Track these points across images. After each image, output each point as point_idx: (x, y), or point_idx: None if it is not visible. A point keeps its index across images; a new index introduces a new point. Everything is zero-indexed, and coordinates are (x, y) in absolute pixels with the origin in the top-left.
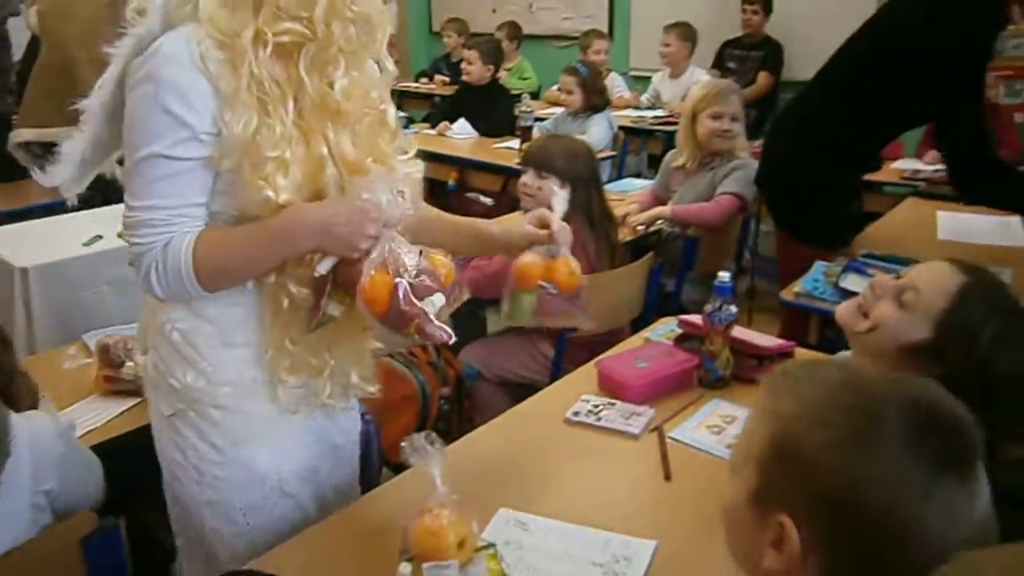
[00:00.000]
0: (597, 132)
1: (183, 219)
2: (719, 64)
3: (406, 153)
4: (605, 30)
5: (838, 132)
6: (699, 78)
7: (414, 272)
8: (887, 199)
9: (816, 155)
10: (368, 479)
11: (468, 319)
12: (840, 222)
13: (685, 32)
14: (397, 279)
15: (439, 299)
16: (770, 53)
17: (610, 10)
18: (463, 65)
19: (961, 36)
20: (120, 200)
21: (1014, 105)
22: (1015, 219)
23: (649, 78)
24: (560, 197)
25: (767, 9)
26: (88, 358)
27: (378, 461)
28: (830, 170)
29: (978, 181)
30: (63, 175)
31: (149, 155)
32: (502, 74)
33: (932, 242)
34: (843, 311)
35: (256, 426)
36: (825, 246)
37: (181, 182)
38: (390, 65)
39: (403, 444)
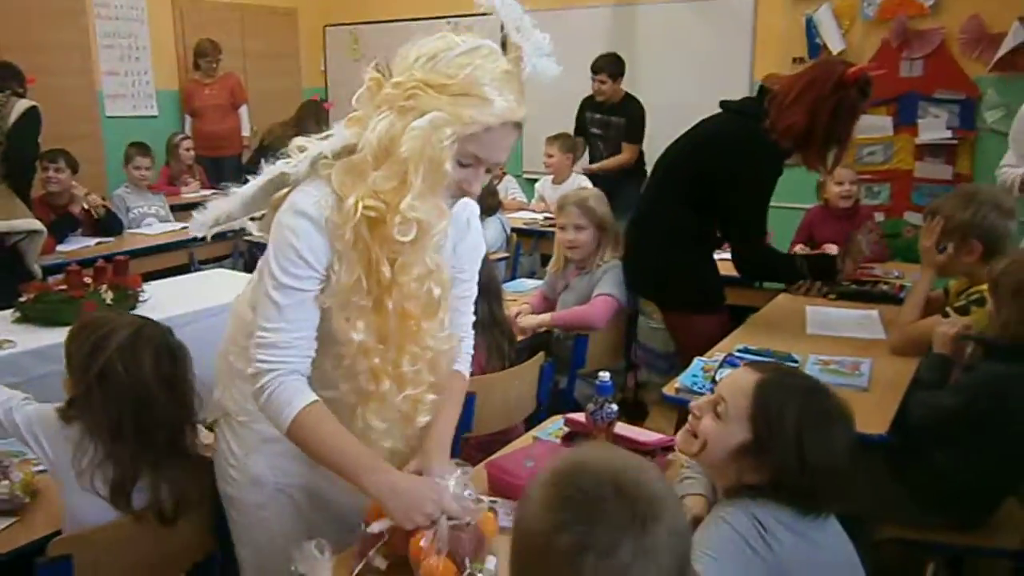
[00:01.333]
0: (490, 234)
1: (301, 343)
2: (583, 131)
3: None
4: None
5: (673, 223)
6: (582, 184)
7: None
8: (763, 294)
9: (665, 241)
10: None
11: None
12: (706, 288)
13: (567, 143)
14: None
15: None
16: (630, 119)
17: None
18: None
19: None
20: None
21: (873, 206)
22: (875, 313)
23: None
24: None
25: (615, 76)
26: None
27: None
28: (678, 250)
29: (748, 263)
30: (202, 220)
31: (283, 286)
32: None
33: (802, 336)
34: (679, 439)
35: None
36: (706, 310)
37: (304, 310)
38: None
39: (293, 553)
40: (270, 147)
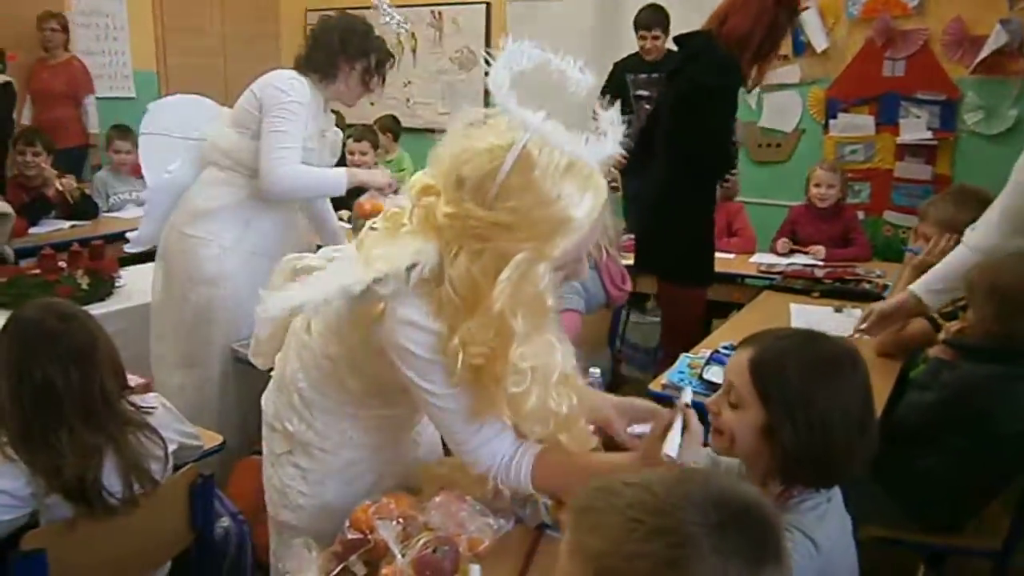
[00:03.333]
0: None
1: (492, 430)
2: (624, 98)
3: None
4: None
5: (683, 190)
6: None
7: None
8: (747, 290)
9: (683, 215)
10: None
11: None
12: (711, 260)
13: None
14: None
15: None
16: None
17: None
18: (355, 157)
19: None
20: None
21: (854, 204)
22: (858, 312)
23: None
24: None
25: (668, 29)
26: None
27: (252, 565)
28: (695, 224)
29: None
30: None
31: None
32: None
33: None
34: (712, 444)
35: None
36: (706, 283)
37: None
38: None
39: (280, 547)
40: None
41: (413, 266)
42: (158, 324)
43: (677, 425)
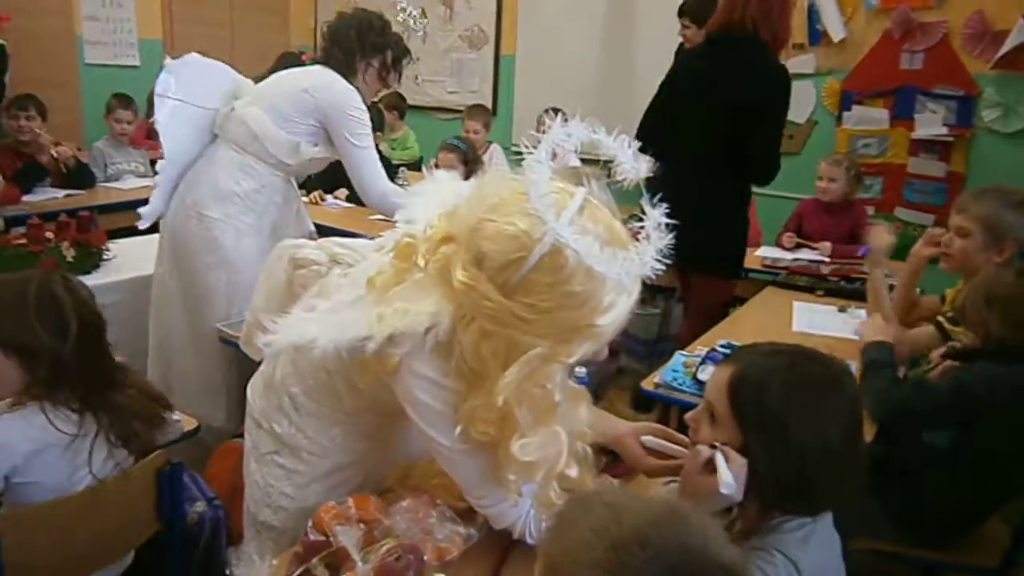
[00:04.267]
0: None
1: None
2: None
3: None
4: (489, 105)
5: (724, 182)
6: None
7: None
8: (750, 285)
9: (720, 204)
10: (217, 571)
11: None
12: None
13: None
14: None
15: None
16: None
17: (494, 86)
18: None
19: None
20: None
21: (864, 199)
22: (862, 312)
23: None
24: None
25: (700, 20)
26: None
27: (226, 549)
28: (733, 213)
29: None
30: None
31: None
32: (383, 145)
33: (788, 334)
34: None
35: None
36: (739, 276)
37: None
38: None
39: (230, 552)
40: None
41: (430, 328)
42: (163, 307)
43: (721, 462)
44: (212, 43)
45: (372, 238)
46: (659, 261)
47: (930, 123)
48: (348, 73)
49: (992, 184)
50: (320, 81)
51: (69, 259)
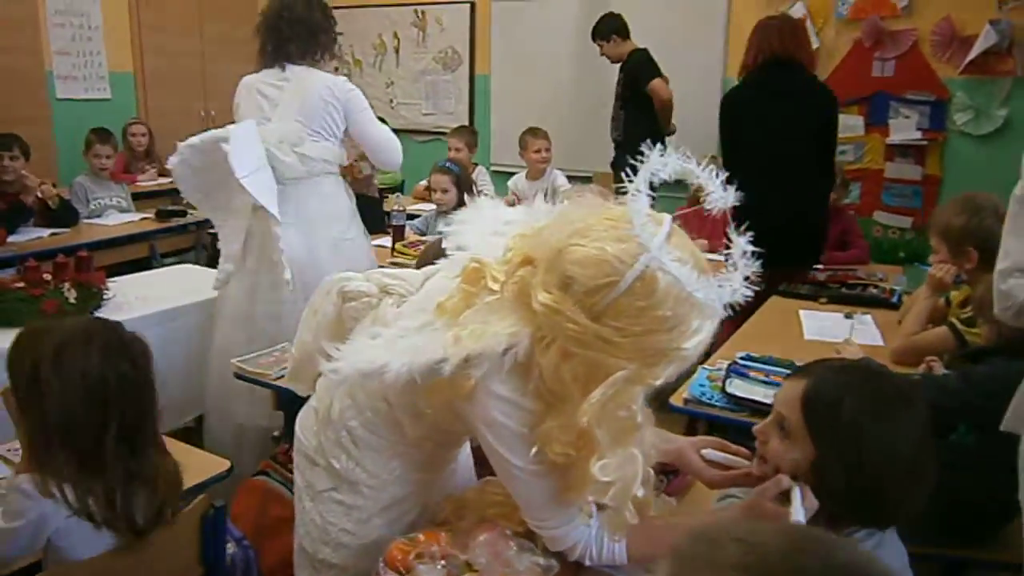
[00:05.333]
0: None
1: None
2: None
3: None
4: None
5: (821, 193)
6: (558, 181)
7: None
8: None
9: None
10: None
11: None
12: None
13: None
14: None
15: None
16: (633, 65)
17: (470, 107)
18: None
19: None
20: None
21: (844, 205)
22: (868, 318)
23: (509, 174)
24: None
25: (605, 36)
26: None
27: None
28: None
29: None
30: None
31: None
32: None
33: (801, 342)
34: (755, 470)
35: None
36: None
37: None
38: None
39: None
40: None
41: (508, 349)
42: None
43: (797, 497)
44: (183, 74)
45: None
46: (748, 288)
47: (904, 128)
48: (315, 56)
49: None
50: (332, 84)
51: (72, 301)
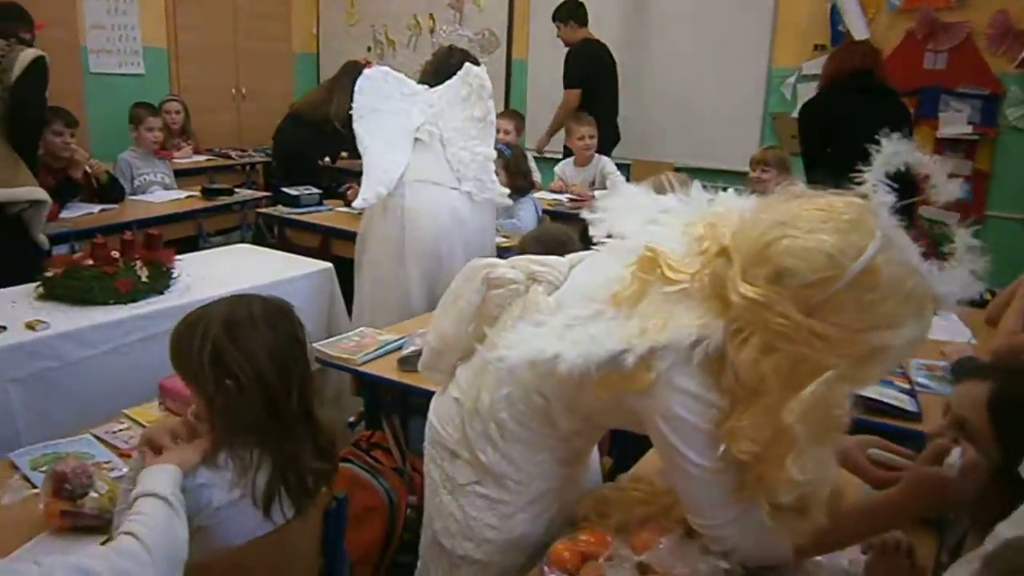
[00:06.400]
0: (526, 216)
1: None
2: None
3: None
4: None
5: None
6: (607, 168)
7: None
8: None
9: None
10: None
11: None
12: None
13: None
14: None
15: None
16: (565, 61)
17: (506, 91)
18: None
19: None
20: None
21: None
22: (952, 315)
23: (545, 159)
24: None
25: (562, 20)
26: (30, 488)
27: None
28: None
29: None
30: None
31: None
32: None
33: None
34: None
35: None
36: None
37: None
38: None
39: None
40: (305, 115)
41: (697, 342)
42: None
43: (955, 454)
44: (216, 50)
45: None
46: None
47: (955, 122)
48: None
49: None
50: (484, 84)
51: (144, 279)
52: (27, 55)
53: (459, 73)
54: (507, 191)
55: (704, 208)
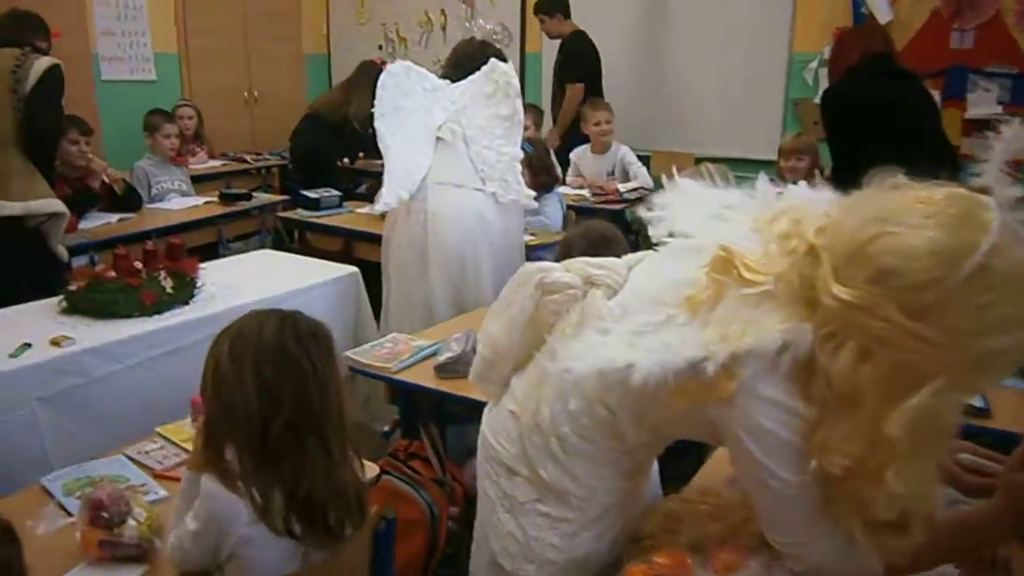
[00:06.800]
0: (552, 213)
1: None
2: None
3: None
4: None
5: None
6: (626, 155)
7: None
8: None
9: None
10: None
11: (470, 426)
12: None
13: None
14: None
15: None
16: (565, 54)
17: (521, 85)
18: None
19: None
20: None
21: None
22: None
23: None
24: None
25: (548, 12)
26: (66, 516)
27: None
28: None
29: None
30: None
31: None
32: None
33: None
34: None
35: None
36: None
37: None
38: None
39: None
40: (323, 116)
41: (784, 347)
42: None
43: None
44: (227, 53)
45: None
46: None
47: (984, 102)
48: None
49: None
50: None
51: (169, 290)
52: (42, 64)
53: (484, 68)
54: (533, 193)
55: (772, 202)
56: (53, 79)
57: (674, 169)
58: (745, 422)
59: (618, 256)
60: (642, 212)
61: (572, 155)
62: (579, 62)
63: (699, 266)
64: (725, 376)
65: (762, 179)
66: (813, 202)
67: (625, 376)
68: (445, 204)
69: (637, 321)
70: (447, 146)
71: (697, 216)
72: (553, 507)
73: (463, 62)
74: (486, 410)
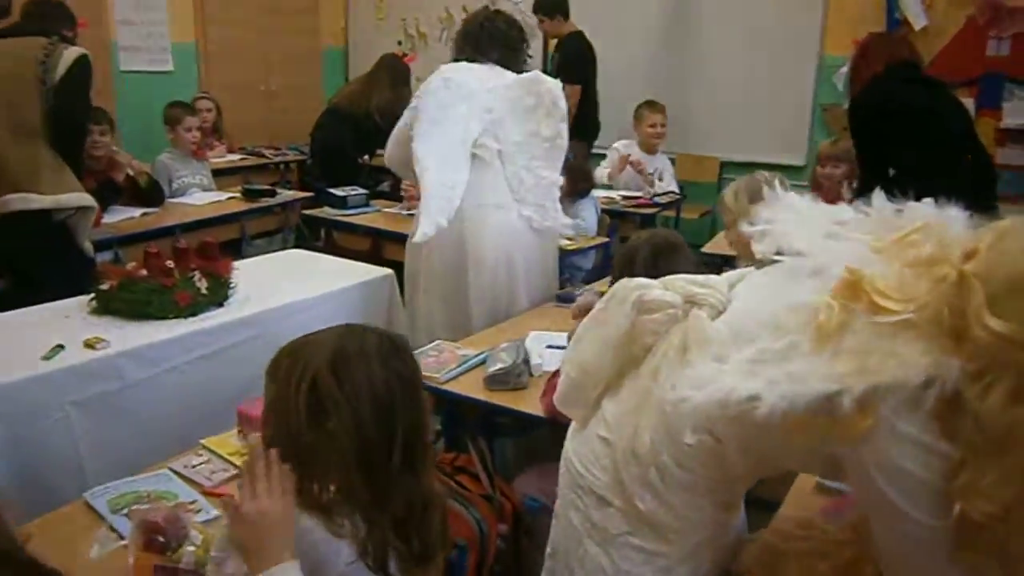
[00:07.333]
0: (589, 217)
1: None
2: None
3: None
4: None
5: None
6: (667, 165)
7: None
8: None
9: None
10: None
11: (520, 440)
12: None
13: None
14: None
15: None
16: (562, 55)
17: None
18: None
19: None
20: None
21: None
22: None
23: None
24: None
25: (547, 12)
26: (116, 539)
27: None
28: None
29: None
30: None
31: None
32: None
33: None
34: None
35: None
36: None
37: None
38: None
39: None
40: (344, 110)
41: (929, 382)
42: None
43: None
44: (244, 46)
45: None
46: None
47: (1019, 112)
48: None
49: None
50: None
51: (203, 291)
52: (71, 54)
53: (525, 77)
54: (569, 221)
55: (892, 220)
56: (82, 70)
57: (777, 182)
58: (881, 461)
59: (683, 264)
60: (744, 227)
61: (617, 144)
62: (576, 63)
63: (818, 289)
64: (860, 412)
65: (878, 194)
66: (945, 221)
67: (747, 408)
68: (484, 227)
69: (756, 348)
70: (484, 164)
71: (809, 233)
72: (647, 540)
73: (475, 36)
74: (569, 434)
